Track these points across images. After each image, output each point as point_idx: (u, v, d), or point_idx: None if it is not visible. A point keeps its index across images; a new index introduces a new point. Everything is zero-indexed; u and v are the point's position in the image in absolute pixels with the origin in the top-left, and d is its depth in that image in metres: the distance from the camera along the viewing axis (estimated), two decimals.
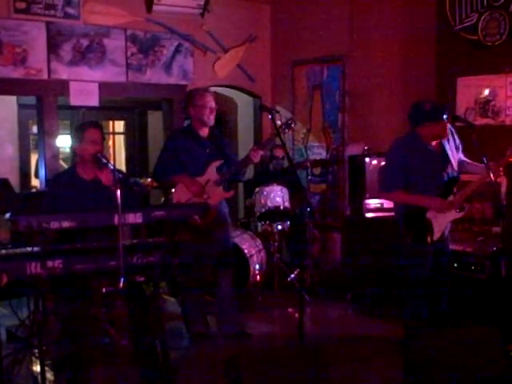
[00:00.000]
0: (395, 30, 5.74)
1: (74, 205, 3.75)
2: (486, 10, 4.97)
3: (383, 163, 5.20)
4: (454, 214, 4.14)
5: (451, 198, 4.09)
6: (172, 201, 4.53)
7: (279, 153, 6.19)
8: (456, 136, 4.26)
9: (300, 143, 6.74)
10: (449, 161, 4.13)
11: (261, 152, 4.51)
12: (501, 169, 3.98)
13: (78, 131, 3.99)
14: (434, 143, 4.12)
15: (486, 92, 5.04)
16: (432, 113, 4.07)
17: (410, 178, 4.09)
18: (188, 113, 4.66)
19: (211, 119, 4.56)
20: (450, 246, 4.36)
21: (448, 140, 4.18)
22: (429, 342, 3.47)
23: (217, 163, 4.56)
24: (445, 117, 4.03)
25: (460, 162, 4.24)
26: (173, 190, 4.55)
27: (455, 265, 4.53)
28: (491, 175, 3.87)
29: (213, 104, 4.56)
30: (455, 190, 4.10)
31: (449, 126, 4.23)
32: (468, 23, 5.10)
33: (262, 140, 6.72)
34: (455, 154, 4.21)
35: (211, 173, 4.53)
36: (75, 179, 3.92)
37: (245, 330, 4.70)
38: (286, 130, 4.40)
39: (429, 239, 4.06)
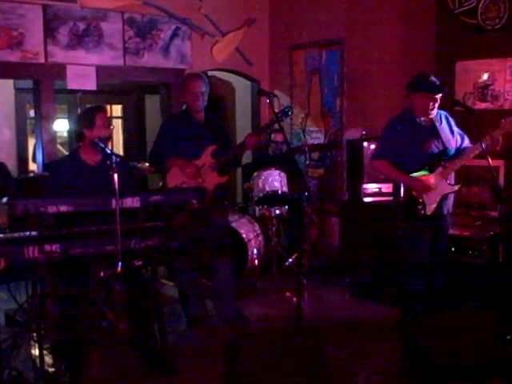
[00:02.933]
0: (394, 15, 5.70)
1: (78, 191, 3.69)
2: None
3: None
4: (447, 187, 4.13)
5: (440, 169, 4.09)
6: (166, 184, 4.51)
7: (278, 137, 6.17)
8: (455, 125, 4.25)
9: (298, 127, 6.72)
10: (438, 135, 4.12)
11: (256, 138, 4.49)
12: (500, 138, 3.97)
13: (86, 115, 3.92)
14: (423, 118, 4.11)
15: (485, 76, 5.01)
16: (412, 82, 4.07)
17: (399, 150, 4.10)
18: (181, 97, 4.68)
19: (197, 104, 4.52)
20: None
21: (440, 122, 4.17)
22: (426, 326, 3.50)
23: (212, 148, 4.53)
24: (429, 93, 3.99)
25: (461, 149, 4.23)
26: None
27: (452, 249, 4.54)
28: (483, 146, 3.88)
29: (201, 89, 4.51)
30: (445, 164, 4.09)
31: (444, 113, 4.23)
32: (467, 7, 5.06)
33: (259, 125, 6.72)
34: (449, 136, 4.18)
35: (206, 157, 4.51)
36: (79, 165, 3.86)
37: (242, 313, 4.72)
38: (283, 118, 4.39)
39: (421, 212, 4.05)
